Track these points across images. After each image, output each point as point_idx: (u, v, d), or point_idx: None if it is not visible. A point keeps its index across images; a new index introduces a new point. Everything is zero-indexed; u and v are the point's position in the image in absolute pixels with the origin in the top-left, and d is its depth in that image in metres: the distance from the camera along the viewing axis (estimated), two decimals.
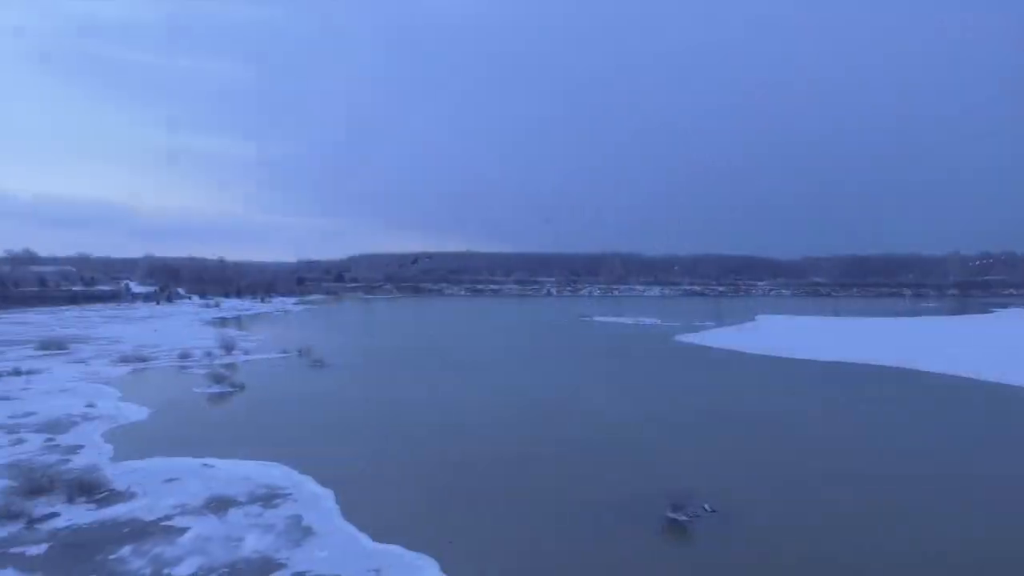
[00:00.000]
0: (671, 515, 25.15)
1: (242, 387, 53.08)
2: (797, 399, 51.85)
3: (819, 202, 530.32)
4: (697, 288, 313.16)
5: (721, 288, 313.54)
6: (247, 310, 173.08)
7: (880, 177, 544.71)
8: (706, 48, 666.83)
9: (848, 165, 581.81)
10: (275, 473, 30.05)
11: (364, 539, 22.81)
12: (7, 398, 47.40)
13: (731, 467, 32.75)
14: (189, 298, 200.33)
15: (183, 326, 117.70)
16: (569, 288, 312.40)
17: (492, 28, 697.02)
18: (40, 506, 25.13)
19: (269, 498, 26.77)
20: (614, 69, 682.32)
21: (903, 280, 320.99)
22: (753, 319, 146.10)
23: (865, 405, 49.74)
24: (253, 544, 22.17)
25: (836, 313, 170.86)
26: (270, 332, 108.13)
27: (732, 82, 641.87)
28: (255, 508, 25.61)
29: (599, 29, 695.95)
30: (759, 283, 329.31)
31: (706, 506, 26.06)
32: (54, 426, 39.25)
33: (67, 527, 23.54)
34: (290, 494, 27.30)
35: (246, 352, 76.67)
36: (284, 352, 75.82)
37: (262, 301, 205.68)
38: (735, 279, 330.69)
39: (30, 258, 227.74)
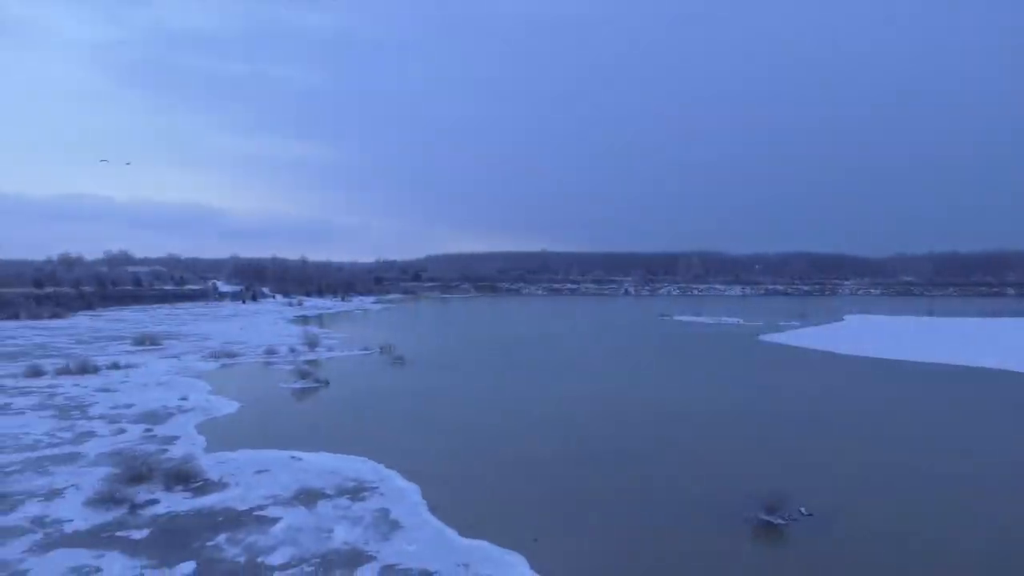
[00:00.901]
0: (765, 517, 24.04)
1: (326, 383, 54.02)
2: (887, 401, 49.33)
3: (909, 199, 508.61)
4: (780, 287, 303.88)
5: (806, 287, 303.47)
6: (328, 308, 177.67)
7: (981, 173, 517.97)
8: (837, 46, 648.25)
9: (943, 159, 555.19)
10: (361, 467, 30.28)
11: (451, 534, 22.62)
12: (108, 390, 49.73)
13: (817, 468, 31.39)
14: (273, 297, 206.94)
15: (268, 324, 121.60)
16: (647, 287, 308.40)
17: (590, 27, 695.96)
18: (141, 493, 26.00)
19: (356, 491, 26.94)
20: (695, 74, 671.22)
21: (1006, 279, 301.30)
22: (841, 319, 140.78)
23: (957, 408, 47.27)
24: (343, 536, 22.26)
25: (931, 313, 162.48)
26: (351, 330, 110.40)
27: (822, 82, 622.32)
28: (343, 501, 25.80)
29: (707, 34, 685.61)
30: (846, 282, 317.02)
31: (802, 509, 24.93)
32: (151, 417, 40.87)
33: (166, 513, 24.22)
34: (376, 487, 27.41)
35: (329, 349, 78.39)
36: (366, 349, 77.18)
37: (342, 300, 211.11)
38: (821, 278, 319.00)
39: (126, 259, 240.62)
